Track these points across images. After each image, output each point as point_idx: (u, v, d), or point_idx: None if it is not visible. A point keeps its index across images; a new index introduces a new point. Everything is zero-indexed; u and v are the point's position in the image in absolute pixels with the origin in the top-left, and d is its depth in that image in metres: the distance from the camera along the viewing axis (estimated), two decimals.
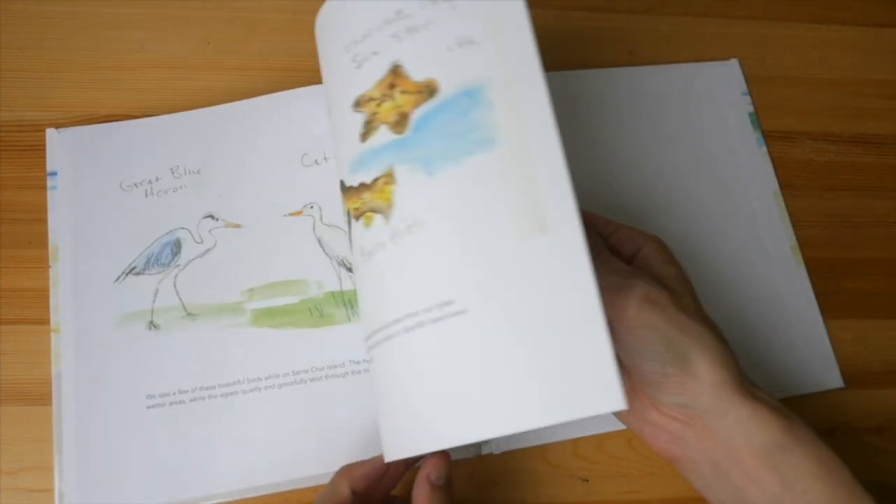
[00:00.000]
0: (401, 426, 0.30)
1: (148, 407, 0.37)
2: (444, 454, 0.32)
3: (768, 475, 0.30)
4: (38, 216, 0.41)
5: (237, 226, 0.40)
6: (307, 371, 0.38)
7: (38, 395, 0.38)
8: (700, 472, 0.32)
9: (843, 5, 0.53)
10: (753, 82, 0.49)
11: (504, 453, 0.39)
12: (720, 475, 0.31)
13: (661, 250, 0.36)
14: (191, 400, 0.38)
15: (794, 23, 0.52)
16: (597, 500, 0.39)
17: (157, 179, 0.41)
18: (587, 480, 0.40)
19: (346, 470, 0.32)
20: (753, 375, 0.41)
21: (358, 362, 0.38)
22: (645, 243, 0.36)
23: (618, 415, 0.36)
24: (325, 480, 0.37)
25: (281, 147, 0.42)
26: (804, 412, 0.42)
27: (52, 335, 0.38)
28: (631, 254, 0.36)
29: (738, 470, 0.31)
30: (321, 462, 0.37)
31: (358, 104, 0.32)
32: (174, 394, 0.38)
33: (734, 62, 0.50)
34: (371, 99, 0.31)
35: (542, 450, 0.40)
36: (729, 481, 0.31)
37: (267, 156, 0.42)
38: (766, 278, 0.44)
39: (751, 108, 0.49)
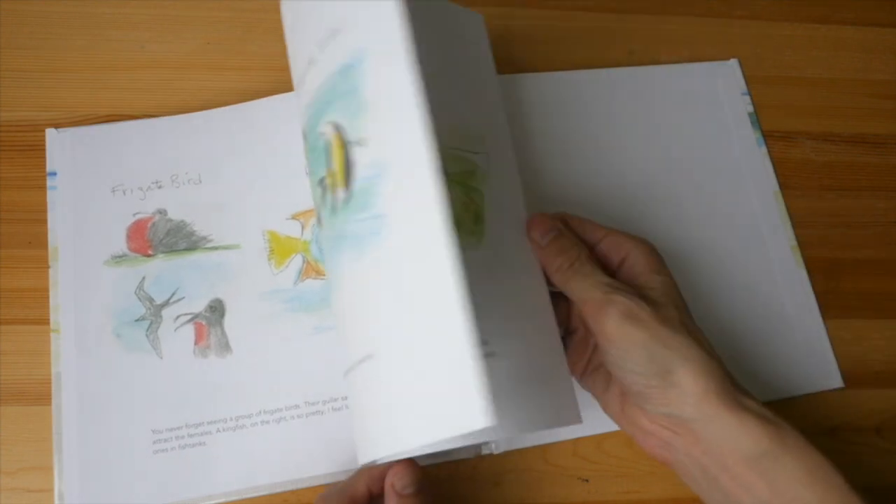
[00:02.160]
0: (359, 437, 0.32)
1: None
2: (408, 462, 0.32)
3: (757, 482, 0.30)
4: (38, 216, 0.41)
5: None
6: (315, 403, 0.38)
7: (38, 395, 0.38)
8: (692, 476, 0.33)
9: (843, 5, 0.53)
10: (753, 82, 0.49)
11: (504, 453, 0.39)
12: (710, 480, 0.32)
13: (649, 258, 0.35)
14: (192, 402, 0.38)
15: (794, 23, 0.53)
16: (597, 500, 0.39)
17: (156, 179, 0.41)
18: (587, 480, 0.40)
19: (366, 470, 0.33)
20: (753, 375, 0.41)
21: None
22: (632, 250, 0.35)
23: (613, 418, 0.36)
24: (325, 481, 0.37)
25: (287, 150, 0.42)
26: (804, 412, 0.42)
27: (52, 335, 0.38)
28: (619, 261, 0.36)
29: (728, 476, 0.31)
30: (321, 462, 0.37)
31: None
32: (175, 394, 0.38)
33: (734, 62, 0.50)
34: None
35: (542, 450, 0.40)
36: (719, 486, 0.31)
37: (270, 158, 0.42)
38: (765, 278, 0.44)
39: (751, 108, 0.49)
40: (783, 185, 0.47)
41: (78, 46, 0.45)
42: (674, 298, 0.33)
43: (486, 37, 0.39)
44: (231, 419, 0.37)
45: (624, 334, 0.31)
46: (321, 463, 0.37)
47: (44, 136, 0.42)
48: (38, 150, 0.42)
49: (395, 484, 0.31)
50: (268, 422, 0.37)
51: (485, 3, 0.48)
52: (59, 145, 0.42)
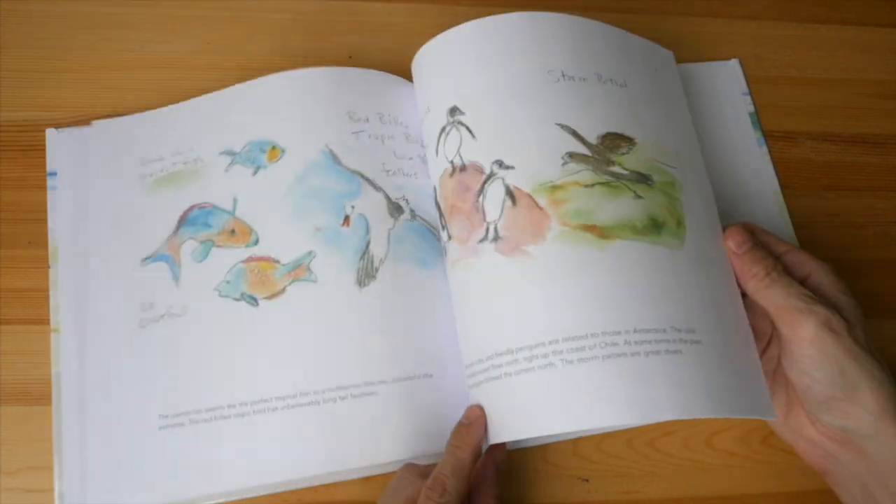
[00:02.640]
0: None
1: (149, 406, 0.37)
2: (504, 446, 0.37)
3: None
4: (38, 216, 0.41)
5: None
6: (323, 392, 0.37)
7: (38, 395, 0.38)
8: (848, 490, 0.35)
9: (843, 5, 0.53)
10: (753, 82, 0.49)
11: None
12: (868, 496, 0.33)
13: (834, 279, 0.36)
14: (193, 405, 0.38)
15: (794, 23, 0.53)
16: (597, 500, 0.39)
17: (172, 166, 0.41)
18: (587, 480, 0.40)
19: (412, 470, 0.35)
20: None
21: (383, 382, 0.38)
22: (816, 269, 0.37)
23: (773, 425, 0.38)
24: (326, 481, 0.37)
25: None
26: None
27: (52, 335, 0.38)
28: (802, 277, 0.37)
29: (885, 493, 0.33)
30: (323, 462, 0.37)
31: None
32: (175, 395, 0.38)
33: (734, 62, 0.50)
34: None
35: (542, 450, 0.40)
36: (876, 502, 0.33)
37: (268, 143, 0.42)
38: None
39: (751, 108, 0.49)
40: (783, 185, 0.47)
41: (78, 46, 0.45)
42: (861, 321, 0.35)
43: (675, 69, 0.44)
44: (238, 405, 0.37)
45: (821, 344, 0.33)
46: (328, 460, 0.37)
47: (44, 136, 0.42)
48: (38, 150, 0.42)
49: (498, 458, 0.37)
50: (276, 408, 0.37)
51: (485, 3, 0.48)
52: (59, 145, 0.42)
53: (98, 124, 0.42)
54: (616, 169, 0.37)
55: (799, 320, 0.34)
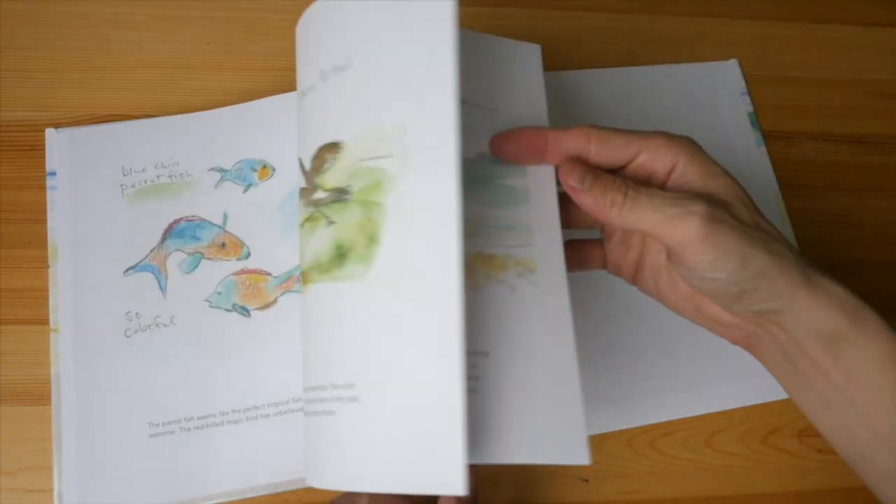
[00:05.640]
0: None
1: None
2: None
3: (831, 365, 0.30)
4: (38, 216, 0.41)
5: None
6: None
7: (38, 395, 0.38)
8: (774, 361, 0.33)
9: (843, 5, 0.53)
10: (753, 82, 0.49)
11: None
12: (791, 364, 0.31)
13: (699, 164, 0.32)
14: (183, 413, 0.38)
15: (794, 23, 0.53)
16: (597, 500, 0.39)
17: (156, 179, 0.41)
18: (587, 480, 0.40)
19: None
20: (753, 375, 0.41)
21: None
22: (677, 158, 0.32)
23: (683, 314, 0.35)
24: None
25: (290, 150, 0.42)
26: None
27: (52, 335, 0.38)
28: (665, 173, 0.32)
29: (805, 360, 0.30)
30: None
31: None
32: (164, 403, 0.38)
33: (734, 62, 0.50)
34: None
35: None
36: (798, 370, 0.31)
37: (272, 157, 0.42)
38: None
39: (750, 108, 0.49)
40: (783, 185, 0.47)
41: (78, 46, 0.45)
42: (741, 197, 0.31)
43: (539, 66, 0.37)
44: (230, 412, 0.37)
45: (711, 240, 0.29)
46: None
47: (44, 136, 0.42)
48: (38, 150, 0.42)
49: None
50: (268, 415, 0.37)
51: (483, 3, 0.48)
52: (59, 145, 0.42)
53: (82, 130, 0.42)
54: (318, 194, 0.31)
55: (679, 227, 0.30)
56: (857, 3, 0.53)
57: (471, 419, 0.28)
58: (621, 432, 0.40)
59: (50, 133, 0.42)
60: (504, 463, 0.29)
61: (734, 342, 0.34)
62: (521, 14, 0.49)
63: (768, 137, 0.48)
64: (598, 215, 0.32)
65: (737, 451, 0.41)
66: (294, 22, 0.47)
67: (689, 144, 0.32)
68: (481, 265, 0.31)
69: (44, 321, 0.39)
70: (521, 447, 0.29)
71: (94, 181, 0.41)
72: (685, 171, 0.32)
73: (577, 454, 0.30)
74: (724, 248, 0.29)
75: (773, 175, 0.47)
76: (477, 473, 0.33)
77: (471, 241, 0.31)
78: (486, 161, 0.34)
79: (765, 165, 0.47)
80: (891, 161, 0.49)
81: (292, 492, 0.38)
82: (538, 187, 0.34)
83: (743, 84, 0.49)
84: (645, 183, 0.32)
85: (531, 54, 0.37)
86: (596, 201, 0.32)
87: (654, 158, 0.32)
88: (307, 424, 0.31)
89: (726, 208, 0.30)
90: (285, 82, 0.43)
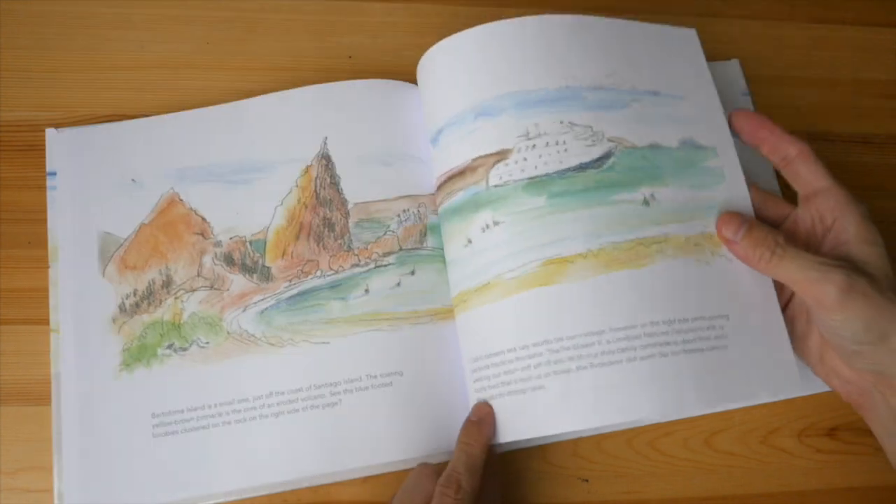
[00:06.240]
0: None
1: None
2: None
3: None
4: (38, 216, 0.41)
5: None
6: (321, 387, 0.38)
7: (38, 395, 0.38)
8: (881, 420, 0.35)
9: (843, 5, 0.53)
10: (754, 82, 0.49)
11: (504, 453, 0.39)
12: None
13: (860, 227, 0.36)
14: (192, 408, 0.38)
15: (794, 23, 0.52)
16: (597, 500, 0.39)
17: (156, 179, 0.41)
18: (587, 480, 0.40)
19: (427, 470, 0.35)
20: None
21: (374, 376, 0.38)
22: (841, 217, 0.36)
23: (807, 363, 0.38)
24: (326, 481, 0.37)
25: (289, 147, 0.42)
26: (804, 412, 0.42)
27: (52, 335, 0.38)
28: (825, 228, 0.37)
29: None
30: (321, 463, 0.37)
31: None
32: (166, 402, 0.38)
33: (734, 62, 0.50)
34: None
35: (542, 450, 0.40)
36: None
37: (269, 156, 0.42)
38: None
39: (751, 109, 0.48)
40: (783, 185, 0.47)
41: (78, 46, 0.45)
42: (885, 270, 0.35)
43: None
44: (231, 412, 0.37)
45: (843, 310, 0.33)
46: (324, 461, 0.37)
47: (44, 136, 0.42)
48: (38, 150, 0.42)
49: (472, 416, 0.36)
50: (266, 416, 0.37)
51: (483, 3, 0.48)
52: (59, 145, 0.42)
53: (82, 130, 0.42)
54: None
55: (818, 290, 0.33)
56: (857, 3, 0.53)
57: (720, 373, 0.35)
58: (621, 432, 0.40)
59: (50, 133, 0.42)
60: (748, 405, 0.40)
61: (846, 399, 0.37)
62: (520, 14, 0.49)
63: None
64: (750, 265, 0.37)
65: (737, 451, 0.41)
66: (294, 22, 0.47)
67: (853, 209, 0.36)
68: (706, 242, 0.37)
69: (44, 321, 0.39)
70: (761, 390, 0.36)
71: (94, 181, 0.41)
72: (843, 230, 0.36)
73: (793, 388, 0.36)
74: (854, 314, 0.33)
75: (773, 175, 0.47)
76: (499, 478, 0.37)
77: (698, 223, 0.38)
78: (689, 146, 0.39)
79: (765, 165, 0.47)
80: (891, 161, 0.49)
81: (292, 492, 0.38)
82: (730, 166, 0.40)
83: (743, 84, 0.49)
84: (810, 225, 0.37)
85: (691, 39, 0.43)
86: (746, 253, 0.36)
87: (820, 212, 0.37)
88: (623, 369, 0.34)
89: (868, 279, 0.33)
90: (285, 82, 0.43)
